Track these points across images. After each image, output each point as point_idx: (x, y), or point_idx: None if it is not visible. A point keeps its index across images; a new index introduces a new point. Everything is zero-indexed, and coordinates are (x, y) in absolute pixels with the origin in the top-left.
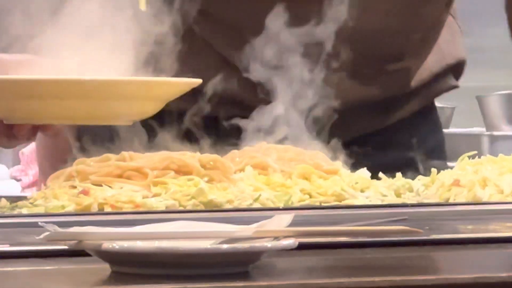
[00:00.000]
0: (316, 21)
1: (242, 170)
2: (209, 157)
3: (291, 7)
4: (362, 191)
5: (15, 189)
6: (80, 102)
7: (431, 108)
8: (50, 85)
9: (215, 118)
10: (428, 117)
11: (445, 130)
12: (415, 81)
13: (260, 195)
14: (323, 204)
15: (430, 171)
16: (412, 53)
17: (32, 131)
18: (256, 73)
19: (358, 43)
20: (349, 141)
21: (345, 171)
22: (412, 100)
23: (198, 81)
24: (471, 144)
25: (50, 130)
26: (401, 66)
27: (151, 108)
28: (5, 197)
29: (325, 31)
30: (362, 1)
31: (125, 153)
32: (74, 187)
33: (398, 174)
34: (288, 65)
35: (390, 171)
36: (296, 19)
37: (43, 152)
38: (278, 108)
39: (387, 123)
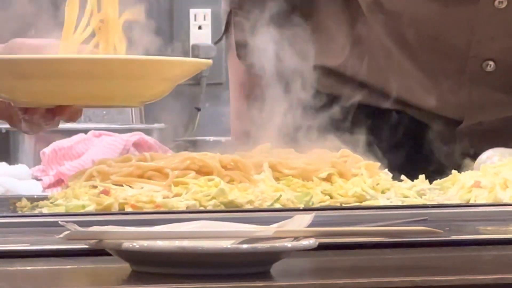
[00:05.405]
0: None
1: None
2: (230, 157)
3: None
4: (383, 192)
5: (36, 189)
6: (91, 82)
7: None
8: (59, 64)
9: None
10: None
11: None
12: None
13: (280, 195)
14: (343, 205)
15: None
16: None
17: (47, 115)
18: None
19: None
20: None
21: (365, 172)
22: None
23: (208, 61)
24: None
25: (65, 114)
26: None
27: (162, 89)
28: (26, 196)
29: None
30: None
31: (146, 154)
32: (95, 187)
33: (421, 176)
34: None
35: None
36: None
37: None
38: None
39: None
